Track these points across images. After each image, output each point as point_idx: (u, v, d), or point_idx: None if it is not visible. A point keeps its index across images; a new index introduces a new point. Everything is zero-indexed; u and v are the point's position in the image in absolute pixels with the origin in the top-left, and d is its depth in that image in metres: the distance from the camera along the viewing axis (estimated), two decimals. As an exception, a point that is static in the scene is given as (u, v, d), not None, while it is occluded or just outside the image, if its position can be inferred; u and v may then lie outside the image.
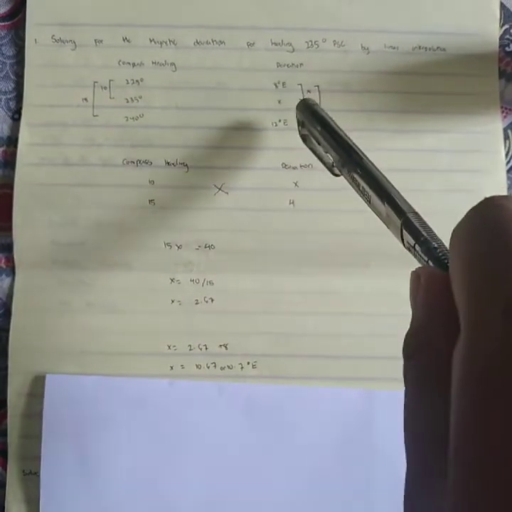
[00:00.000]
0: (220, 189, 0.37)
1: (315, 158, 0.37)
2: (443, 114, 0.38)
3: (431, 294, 0.17)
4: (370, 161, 0.27)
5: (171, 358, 0.37)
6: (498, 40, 0.38)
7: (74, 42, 0.38)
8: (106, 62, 0.38)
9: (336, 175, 0.32)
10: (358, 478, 0.36)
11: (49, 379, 0.36)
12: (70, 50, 0.38)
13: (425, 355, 0.16)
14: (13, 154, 0.37)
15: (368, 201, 0.26)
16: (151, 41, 0.38)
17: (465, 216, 0.16)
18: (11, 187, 0.37)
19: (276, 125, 0.38)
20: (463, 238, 0.15)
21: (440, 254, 0.20)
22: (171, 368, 0.36)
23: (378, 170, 0.27)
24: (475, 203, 0.15)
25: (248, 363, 0.36)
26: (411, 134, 0.38)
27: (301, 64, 0.38)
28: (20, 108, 0.38)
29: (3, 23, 0.38)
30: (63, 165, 0.37)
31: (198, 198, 0.37)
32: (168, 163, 0.37)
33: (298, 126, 0.35)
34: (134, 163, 0.37)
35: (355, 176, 0.27)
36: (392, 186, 0.25)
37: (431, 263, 0.20)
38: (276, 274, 0.37)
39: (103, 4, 0.38)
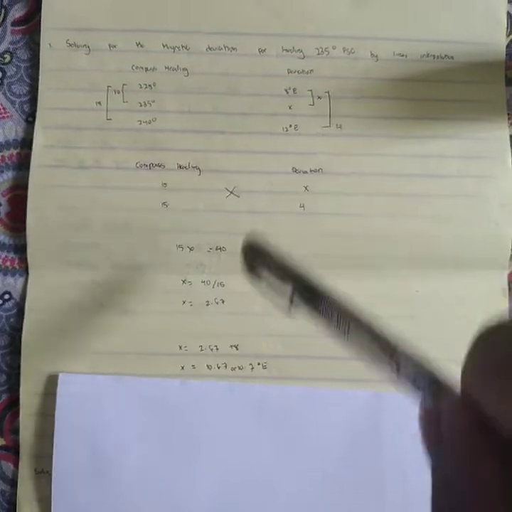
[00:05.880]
0: (231, 192, 0.38)
1: (325, 162, 0.38)
2: (451, 121, 0.38)
3: (462, 426, 0.17)
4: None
5: (182, 358, 0.37)
6: (504, 48, 0.39)
7: (88, 46, 0.38)
8: (119, 66, 0.38)
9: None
10: (367, 479, 0.36)
11: (62, 378, 0.36)
12: (84, 55, 0.38)
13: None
14: (27, 156, 0.38)
15: (344, 333, 0.23)
16: (164, 46, 0.39)
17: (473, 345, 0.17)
18: (25, 188, 0.38)
19: (286, 130, 0.38)
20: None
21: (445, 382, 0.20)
22: (182, 368, 0.37)
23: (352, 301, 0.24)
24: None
25: (258, 364, 0.37)
26: (419, 140, 0.38)
27: (311, 70, 0.39)
28: (35, 111, 0.38)
29: (18, 28, 0.39)
30: (77, 167, 0.38)
31: (210, 200, 0.38)
32: (180, 166, 0.38)
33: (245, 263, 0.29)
34: (146, 166, 0.38)
35: (326, 307, 0.24)
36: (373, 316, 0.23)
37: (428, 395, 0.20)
38: (286, 277, 0.38)
39: (117, 10, 0.39)
